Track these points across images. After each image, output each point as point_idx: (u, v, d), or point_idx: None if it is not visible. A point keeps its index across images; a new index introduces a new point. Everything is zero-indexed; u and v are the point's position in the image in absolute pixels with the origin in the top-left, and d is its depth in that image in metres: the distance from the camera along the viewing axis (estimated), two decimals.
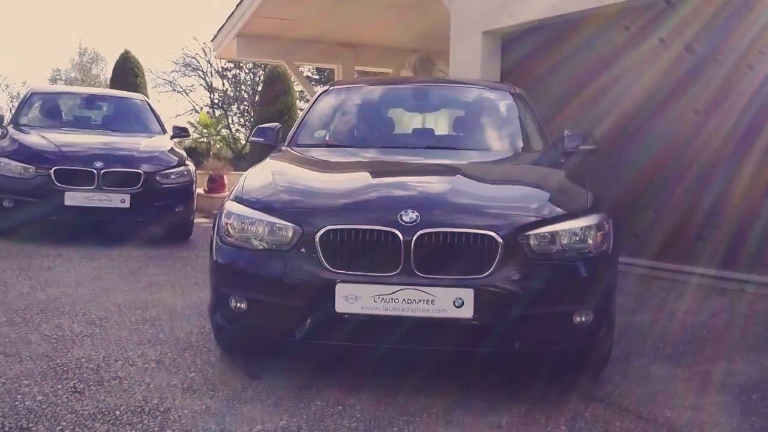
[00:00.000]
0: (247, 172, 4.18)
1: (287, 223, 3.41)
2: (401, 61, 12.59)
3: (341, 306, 3.23)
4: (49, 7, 58.19)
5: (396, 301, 3.21)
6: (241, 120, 46.14)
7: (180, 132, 9.46)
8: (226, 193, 11.63)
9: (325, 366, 3.70)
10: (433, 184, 3.88)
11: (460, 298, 3.20)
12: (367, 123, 5.10)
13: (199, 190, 10.14)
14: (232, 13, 11.32)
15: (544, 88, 7.63)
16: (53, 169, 7.43)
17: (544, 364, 3.61)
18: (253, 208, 3.58)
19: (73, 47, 64.78)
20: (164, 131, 9.26)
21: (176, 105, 79.01)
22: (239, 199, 3.71)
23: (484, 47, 8.26)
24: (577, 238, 3.43)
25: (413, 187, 3.82)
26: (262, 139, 5.02)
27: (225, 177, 11.42)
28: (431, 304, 3.20)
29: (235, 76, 37.46)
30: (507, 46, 8.28)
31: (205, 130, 31.61)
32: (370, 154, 4.51)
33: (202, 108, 45.86)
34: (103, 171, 7.49)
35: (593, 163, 5.15)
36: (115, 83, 30.87)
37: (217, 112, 45.68)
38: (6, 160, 7.61)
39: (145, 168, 7.76)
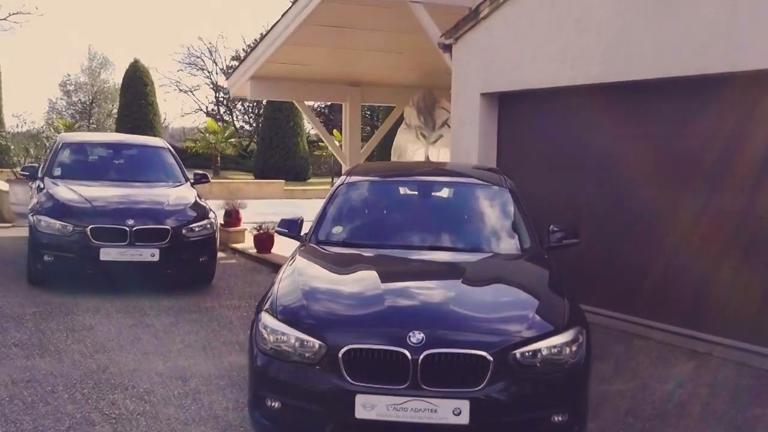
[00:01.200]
0: (280, 274, 4.91)
1: (314, 340, 4.13)
2: (405, 98, 13.28)
3: (360, 413, 3.96)
4: (51, 9, 58.76)
5: (405, 410, 3.94)
6: (246, 117, 46.77)
7: (201, 178, 10.25)
8: (242, 226, 12.37)
9: None
10: (436, 293, 4.67)
11: (458, 408, 3.93)
12: (376, 223, 5.91)
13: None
14: (246, 57, 12.01)
15: (535, 146, 8.42)
16: (89, 227, 8.16)
17: None
18: (285, 323, 4.29)
19: (75, 48, 65.33)
20: (186, 179, 10.00)
21: (182, 105, 79.65)
22: (273, 312, 4.42)
23: (483, 106, 8.98)
24: (556, 351, 4.16)
25: (417, 296, 4.63)
26: (287, 230, 5.78)
27: (240, 211, 12.11)
28: (435, 413, 3.94)
29: None
30: (504, 106, 8.99)
31: (212, 137, 32.42)
32: (381, 254, 5.23)
33: (207, 107, 46.41)
34: (134, 228, 8.23)
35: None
36: (125, 91, 31.74)
37: (222, 110, 46.25)
38: (46, 218, 8.35)
39: (172, 223, 8.52)
